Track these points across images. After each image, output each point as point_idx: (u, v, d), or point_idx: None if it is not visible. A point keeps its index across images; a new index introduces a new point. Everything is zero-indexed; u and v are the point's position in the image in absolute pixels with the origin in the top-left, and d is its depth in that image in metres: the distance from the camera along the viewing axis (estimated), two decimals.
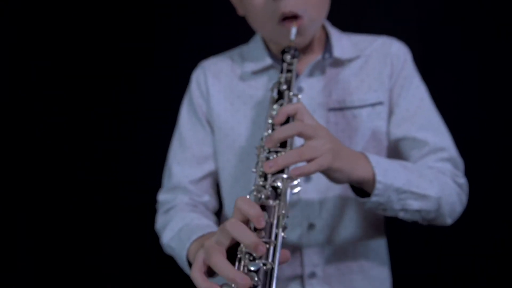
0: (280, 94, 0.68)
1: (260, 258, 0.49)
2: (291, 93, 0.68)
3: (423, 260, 1.33)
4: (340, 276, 0.83)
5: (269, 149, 0.60)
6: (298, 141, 0.62)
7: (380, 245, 0.88)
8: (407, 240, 1.22)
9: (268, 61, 0.85)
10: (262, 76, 0.86)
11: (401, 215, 0.71)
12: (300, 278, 0.82)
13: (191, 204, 0.85)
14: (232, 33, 1.05)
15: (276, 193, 0.55)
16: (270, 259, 0.49)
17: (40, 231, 1.45)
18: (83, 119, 1.45)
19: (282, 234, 0.53)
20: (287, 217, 0.54)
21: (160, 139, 1.00)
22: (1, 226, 1.42)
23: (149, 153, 1.15)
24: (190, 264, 0.70)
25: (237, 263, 0.50)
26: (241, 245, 0.51)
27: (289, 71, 0.71)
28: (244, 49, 0.92)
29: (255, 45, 0.89)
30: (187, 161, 0.87)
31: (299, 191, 0.57)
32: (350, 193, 0.82)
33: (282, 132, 0.59)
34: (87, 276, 1.45)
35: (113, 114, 1.44)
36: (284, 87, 0.68)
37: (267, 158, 0.58)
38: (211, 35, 1.33)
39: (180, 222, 0.78)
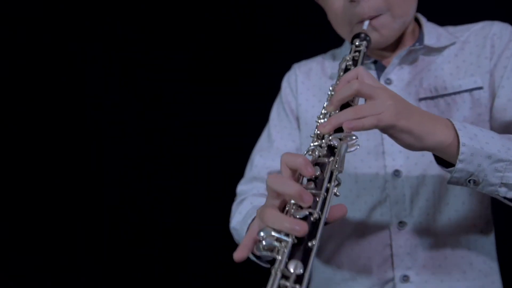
0: (346, 72, 0.66)
1: (309, 208, 0.47)
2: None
3: None
4: (438, 283, 0.73)
5: (330, 115, 0.58)
6: None
7: (487, 248, 0.75)
8: None
9: None
10: None
11: (502, 192, 0.58)
12: (392, 282, 0.74)
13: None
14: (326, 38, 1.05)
15: (332, 152, 0.53)
16: (318, 209, 0.47)
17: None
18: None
19: (335, 190, 0.50)
20: (340, 172, 0.51)
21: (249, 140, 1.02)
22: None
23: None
24: None
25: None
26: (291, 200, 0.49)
27: (357, 51, 0.70)
28: (337, 51, 0.93)
29: (346, 46, 0.91)
30: (270, 154, 0.87)
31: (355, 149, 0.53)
32: (446, 188, 0.74)
33: (341, 93, 0.57)
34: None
35: (210, 117, 1.54)
36: (350, 63, 0.67)
37: None
38: (307, 40, 1.35)
39: (249, 205, 0.78)
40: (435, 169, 0.75)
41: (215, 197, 1.39)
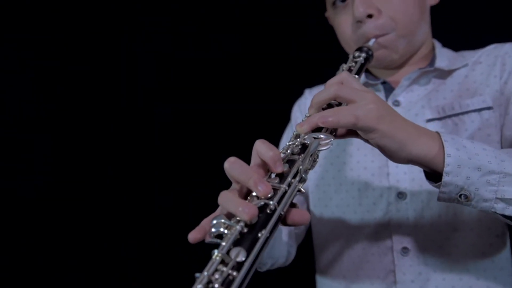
0: None
1: (267, 199, 0.44)
2: None
3: None
4: None
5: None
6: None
7: (499, 279, 0.67)
8: None
9: (362, 79, 0.83)
10: None
11: (499, 208, 0.52)
12: None
13: None
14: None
15: (304, 150, 0.50)
16: (275, 201, 0.44)
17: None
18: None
19: (300, 186, 0.47)
20: (308, 169, 0.48)
21: None
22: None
23: None
24: None
25: None
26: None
27: (354, 62, 0.68)
28: None
29: None
30: None
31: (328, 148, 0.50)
32: (454, 212, 0.68)
33: (319, 96, 0.55)
34: None
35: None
36: None
37: None
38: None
39: None
40: None
41: None
